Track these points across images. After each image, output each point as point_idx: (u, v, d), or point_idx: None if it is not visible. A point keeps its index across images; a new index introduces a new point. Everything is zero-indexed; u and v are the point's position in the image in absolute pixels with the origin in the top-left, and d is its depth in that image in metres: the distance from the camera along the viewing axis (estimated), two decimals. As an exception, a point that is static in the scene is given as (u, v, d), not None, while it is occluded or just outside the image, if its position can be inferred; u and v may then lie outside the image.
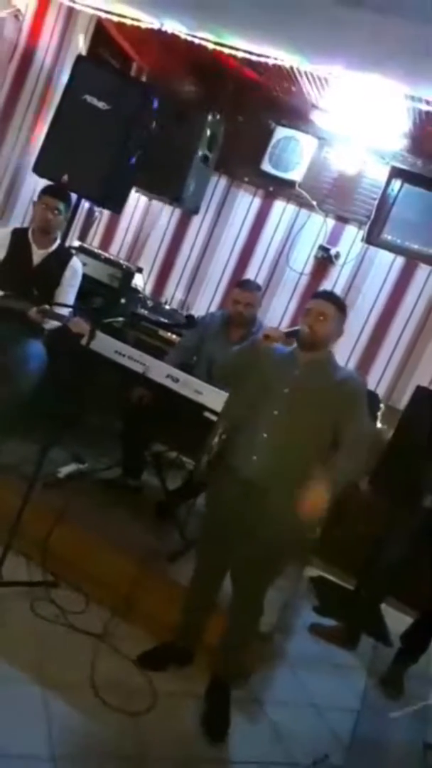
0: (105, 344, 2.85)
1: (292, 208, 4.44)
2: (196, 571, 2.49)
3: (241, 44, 3.35)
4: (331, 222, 4.35)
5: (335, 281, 4.33)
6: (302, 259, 4.40)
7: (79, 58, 3.81)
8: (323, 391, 2.24)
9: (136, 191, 4.27)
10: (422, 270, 4.15)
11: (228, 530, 2.31)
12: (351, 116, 3.97)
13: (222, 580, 2.45)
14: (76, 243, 4.14)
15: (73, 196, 3.46)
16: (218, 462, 2.33)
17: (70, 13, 4.02)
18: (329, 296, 2.39)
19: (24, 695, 2.09)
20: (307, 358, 2.31)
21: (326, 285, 4.34)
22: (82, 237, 4.63)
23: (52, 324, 2.99)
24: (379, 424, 3.60)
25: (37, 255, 3.16)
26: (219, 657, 2.42)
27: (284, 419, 2.22)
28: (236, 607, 2.39)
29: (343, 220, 4.33)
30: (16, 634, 2.33)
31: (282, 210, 4.47)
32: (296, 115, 4.27)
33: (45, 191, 3.17)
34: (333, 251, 4.28)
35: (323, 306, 2.30)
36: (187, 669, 2.50)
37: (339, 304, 2.35)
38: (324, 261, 4.33)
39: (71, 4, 3.80)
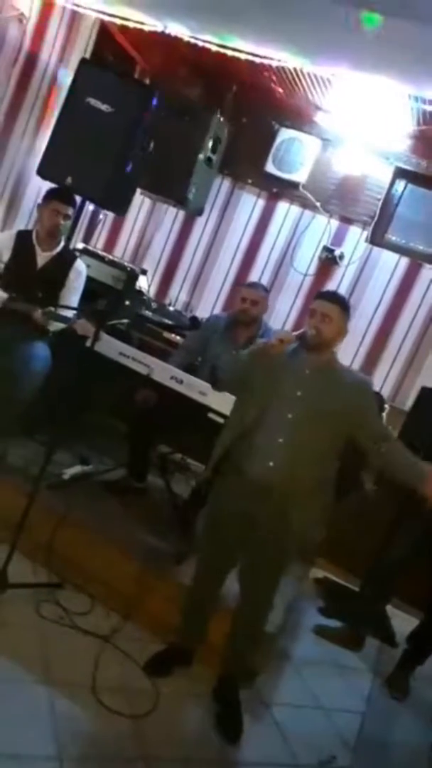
0: (109, 346, 2.86)
1: (295, 209, 4.44)
2: (200, 572, 2.49)
3: (244, 46, 3.34)
4: (335, 223, 4.35)
5: (339, 282, 4.33)
6: (306, 260, 4.40)
7: (83, 61, 3.82)
8: (336, 394, 2.23)
9: (140, 193, 4.27)
10: (427, 271, 4.14)
11: (238, 533, 2.31)
12: (355, 117, 3.97)
13: (225, 580, 2.45)
14: (81, 245, 4.15)
15: (77, 199, 3.47)
16: (226, 466, 2.33)
17: (74, 16, 4.03)
18: (332, 296, 2.38)
19: (30, 696, 2.09)
20: (314, 359, 2.29)
21: (330, 286, 4.33)
22: (87, 239, 4.64)
23: (57, 326, 3.00)
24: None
25: (42, 257, 3.17)
26: (227, 657, 2.43)
27: (299, 423, 2.21)
28: (246, 607, 2.39)
29: (347, 220, 4.33)
30: (22, 635, 2.33)
31: (286, 211, 4.47)
32: (300, 117, 4.28)
33: (54, 196, 3.16)
34: (337, 252, 4.28)
35: (327, 307, 2.28)
36: (188, 669, 2.50)
37: (343, 304, 2.33)
38: (328, 262, 4.33)
39: (75, 8, 3.81)
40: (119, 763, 2.01)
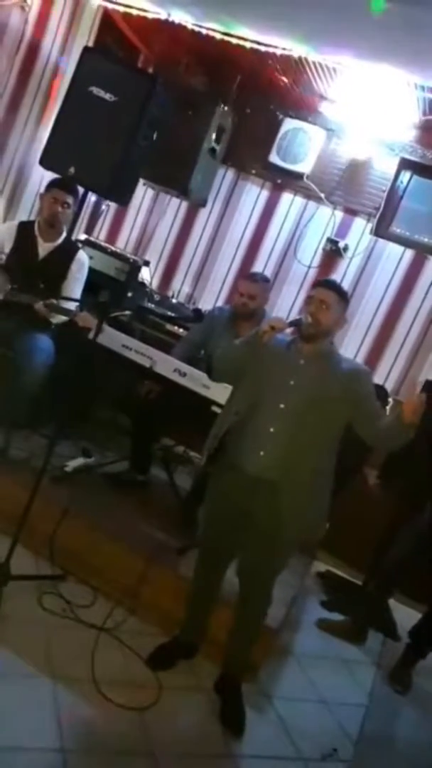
0: (112, 338, 2.84)
1: (300, 200, 4.40)
2: (199, 565, 2.48)
3: (248, 34, 3.31)
4: (339, 214, 4.31)
5: (344, 274, 4.29)
6: (310, 251, 4.37)
7: (86, 50, 3.78)
8: (331, 383, 2.20)
9: (143, 184, 4.25)
10: (431, 263, 4.11)
11: (234, 525, 2.30)
12: (360, 107, 3.94)
13: (225, 573, 2.45)
14: (83, 236, 4.13)
15: (80, 189, 3.45)
16: (221, 456, 2.31)
17: (77, 4, 3.99)
18: (330, 284, 2.34)
19: (33, 688, 2.09)
20: (310, 349, 2.25)
21: (334, 278, 4.27)
22: (89, 230, 4.61)
23: (59, 318, 2.98)
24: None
25: (44, 248, 3.15)
26: (228, 650, 2.42)
27: (291, 412, 2.18)
28: (244, 601, 2.38)
29: (351, 212, 4.30)
30: (24, 627, 2.33)
31: (290, 202, 4.43)
32: (304, 106, 4.23)
33: (54, 184, 3.15)
34: (341, 244, 4.25)
35: (324, 294, 2.24)
36: (192, 662, 2.50)
37: (340, 293, 2.29)
38: (332, 254, 4.29)
39: (77, -5, 3.79)
40: (122, 755, 2.01)
